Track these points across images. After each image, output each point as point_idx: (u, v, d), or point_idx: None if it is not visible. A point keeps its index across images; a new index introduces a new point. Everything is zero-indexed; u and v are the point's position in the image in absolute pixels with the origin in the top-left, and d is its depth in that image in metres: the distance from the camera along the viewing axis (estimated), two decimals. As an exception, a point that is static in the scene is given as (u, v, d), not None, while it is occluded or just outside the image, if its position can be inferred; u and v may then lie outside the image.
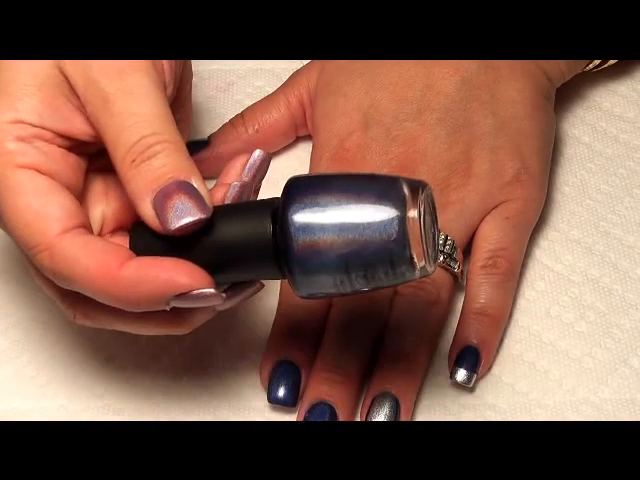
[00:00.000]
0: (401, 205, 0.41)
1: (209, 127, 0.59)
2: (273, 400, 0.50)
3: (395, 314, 0.52)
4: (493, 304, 0.52)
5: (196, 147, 0.56)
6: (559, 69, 0.57)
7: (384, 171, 0.53)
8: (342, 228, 0.41)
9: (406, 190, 0.42)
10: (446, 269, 0.53)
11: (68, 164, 0.45)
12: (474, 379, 0.51)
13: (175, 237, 0.42)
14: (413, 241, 0.41)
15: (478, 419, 0.51)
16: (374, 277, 0.42)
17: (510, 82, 0.55)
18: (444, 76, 0.55)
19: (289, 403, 0.50)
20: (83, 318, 0.45)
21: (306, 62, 0.58)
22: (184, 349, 0.53)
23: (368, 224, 0.41)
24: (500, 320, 0.53)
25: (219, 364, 0.52)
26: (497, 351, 0.53)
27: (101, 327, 0.46)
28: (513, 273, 0.54)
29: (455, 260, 0.53)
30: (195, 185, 0.42)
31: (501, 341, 0.53)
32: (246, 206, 0.44)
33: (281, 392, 0.50)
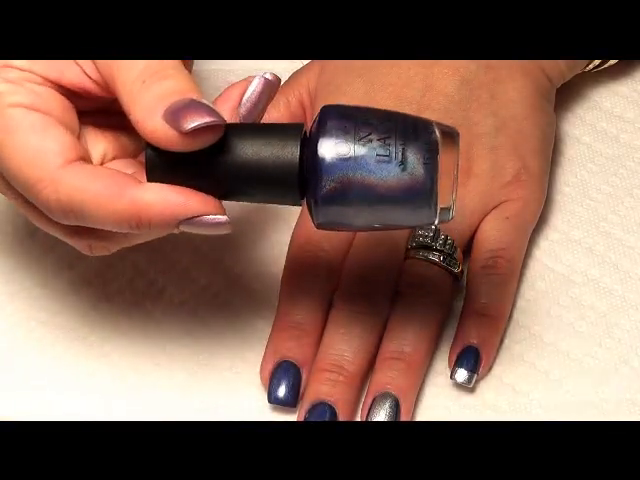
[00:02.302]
0: (433, 148, 0.42)
1: (209, 127, 0.59)
2: (273, 400, 0.50)
3: (395, 314, 0.52)
4: (493, 304, 0.52)
5: None
6: (559, 69, 0.57)
7: None
8: (372, 161, 0.42)
9: (438, 133, 0.42)
10: (446, 269, 0.52)
11: (61, 104, 0.44)
12: (474, 379, 0.51)
13: (192, 158, 0.42)
14: (439, 185, 0.42)
15: (478, 419, 0.51)
16: (396, 215, 0.42)
17: (510, 82, 0.55)
18: (444, 76, 0.55)
19: (289, 403, 0.50)
20: (100, 248, 0.45)
21: (306, 62, 0.58)
22: (183, 350, 0.53)
23: (398, 162, 0.42)
24: (500, 320, 0.53)
25: (219, 364, 0.52)
26: (497, 351, 0.53)
27: (118, 248, 0.46)
28: (513, 273, 0.54)
29: (455, 260, 0.53)
30: (206, 102, 0.42)
31: (501, 341, 0.53)
32: (273, 127, 0.44)
33: (281, 392, 0.50)
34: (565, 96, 0.60)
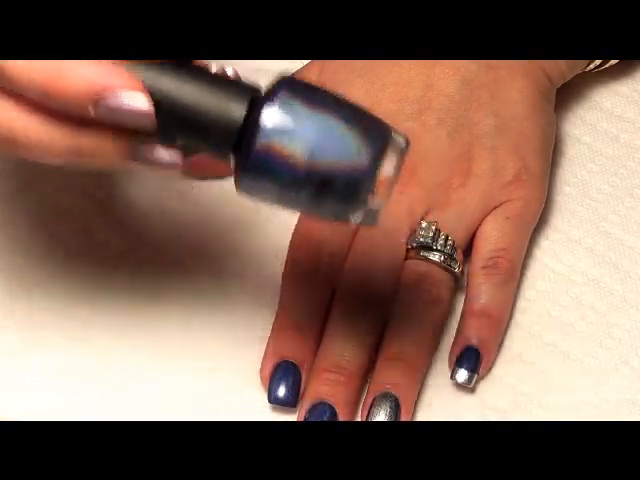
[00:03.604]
0: (383, 148, 0.40)
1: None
2: (273, 400, 0.50)
3: (395, 314, 0.52)
4: (494, 304, 0.52)
5: None
6: (559, 69, 0.57)
7: None
8: (313, 144, 0.40)
9: (396, 138, 0.41)
10: (447, 269, 0.53)
11: None
12: (475, 379, 0.51)
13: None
14: (377, 186, 0.40)
15: (478, 419, 0.51)
16: (321, 203, 0.41)
17: (511, 82, 0.55)
18: (445, 76, 0.55)
19: (290, 403, 0.50)
20: None
21: (306, 62, 0.58)
22: (182, 349, 0.53)
23: (340, 149, 0.40)
24: (501, 320, 0.53)
25: (218, 364, 0.52)
26: (498, 351, 0.53)
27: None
28: (514, 273, 0.54)
29: (456, 260, 0.53)
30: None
31: (502, 341, 0.53)
32: (231, 81, 0.42)
33: (281, 392, 0.50)
34: (565, 96, 0.60)
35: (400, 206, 0.53)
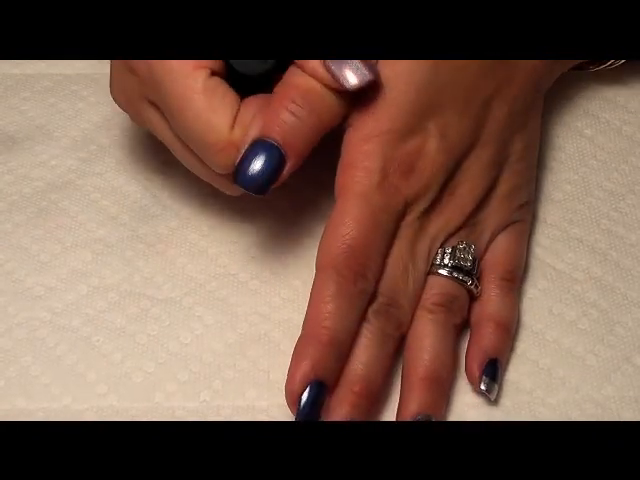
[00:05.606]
0: None
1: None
2: (300, 414, 0.48)
3: (426, 332, 0.51)
4: (511, 317, 0.53)
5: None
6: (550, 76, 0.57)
7: None
8: None
9: None
10: (469, 292, 0.52)
11: None
12: (496, 389, 0.51)
13: None
14: None
15: (482, 418, 0.51)
16: None
17: (539, 108, 0.56)
18: (499, 104, 0.53)
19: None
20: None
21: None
22: (183, 348, 0.53)
23: None
24: (512, 331, 0.53)
25: (220, 363, 0.52)
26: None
27: None
28: (519, 286, 0.54)
29: (477, 286, 0.52)
30: None
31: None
32: None
33: (307, 410, 0.49)
34: (566, 88, 0.60)
35: (440, 218, 0.52)
